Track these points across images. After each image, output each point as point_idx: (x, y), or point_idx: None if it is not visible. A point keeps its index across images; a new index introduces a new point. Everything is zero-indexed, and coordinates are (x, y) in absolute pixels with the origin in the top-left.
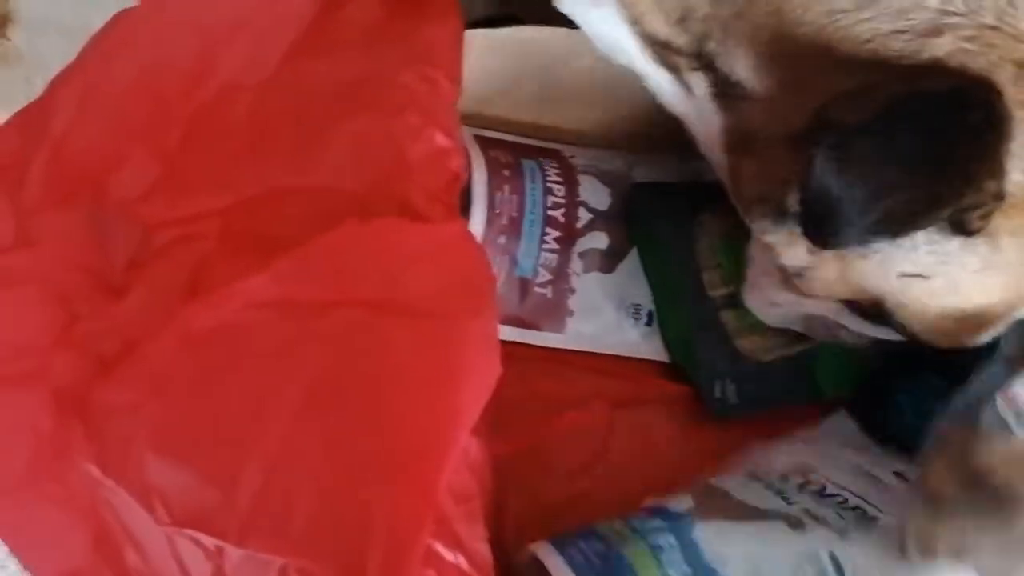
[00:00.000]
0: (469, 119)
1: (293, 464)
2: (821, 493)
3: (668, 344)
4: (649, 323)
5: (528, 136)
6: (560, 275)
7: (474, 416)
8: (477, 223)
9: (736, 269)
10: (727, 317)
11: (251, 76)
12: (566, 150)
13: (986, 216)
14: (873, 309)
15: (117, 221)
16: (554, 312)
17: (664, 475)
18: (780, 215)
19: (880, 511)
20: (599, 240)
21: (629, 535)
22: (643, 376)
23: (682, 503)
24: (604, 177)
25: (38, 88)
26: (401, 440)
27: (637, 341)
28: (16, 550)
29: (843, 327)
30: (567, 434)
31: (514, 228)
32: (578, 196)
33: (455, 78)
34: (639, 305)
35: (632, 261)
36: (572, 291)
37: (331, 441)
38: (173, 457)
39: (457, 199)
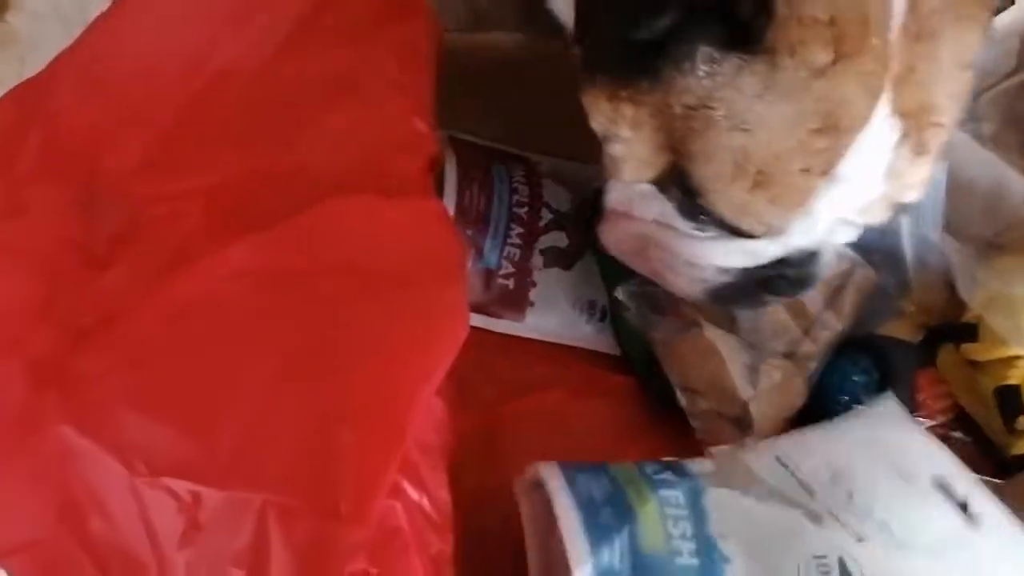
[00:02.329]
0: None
1: (271, 415)
2: (849, 498)
3: (619, 338)
4: (602, 319)
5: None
6: (522, 268)
7: (440, 373)
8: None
9: None
10: None
11: (244, 65)
12: (533, 156)
13: (759, 28)
14: (680, 183)
15: (106, 197)
16: (515, 302)
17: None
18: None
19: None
20: (559, 239)
21: (640, 481)
22: (595, 367)
23: (702, 466)
24: (567, 182)
25: (32, 71)
26: (372, 391)
27: (591, 334)
28: None
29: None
30: (525, 416)
31: (481, 222)
32: (542, 197)
33: (432, 74)
34: (594, 302)
35: (589, 261)
36: (533, 284)
37: (307, 395)
38: (152, 414)
39: (432, 181)
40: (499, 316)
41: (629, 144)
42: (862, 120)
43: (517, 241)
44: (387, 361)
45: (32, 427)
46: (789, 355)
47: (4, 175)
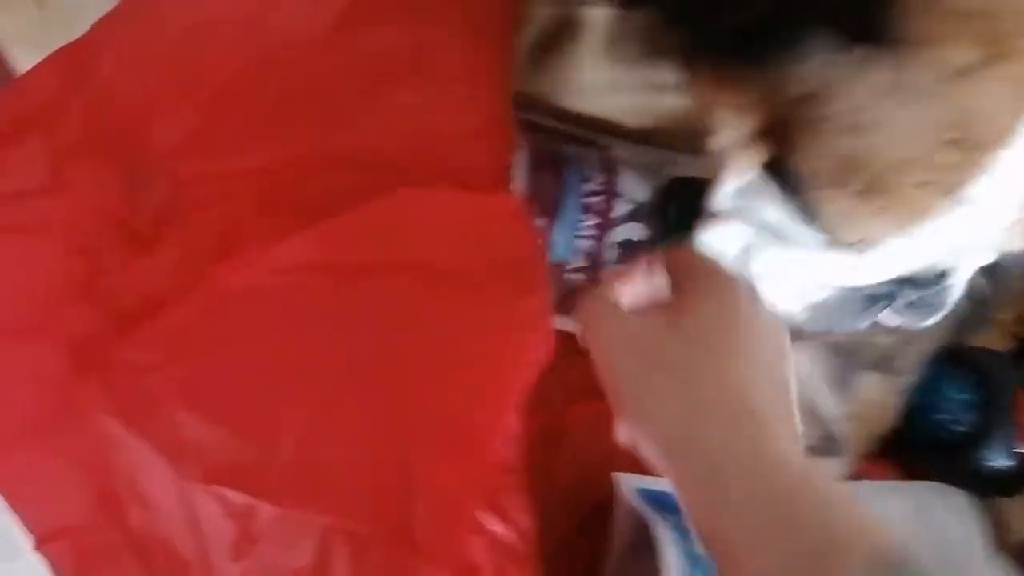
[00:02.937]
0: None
1: (335, 426)
2: None
3: None
4: None
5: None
6: (594, 262)
7: (524, 391)
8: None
9: None
10: None
11: (304, 34)
12: (604, 140)
13: (892, 15)
14: (781, 176)
15: (151, 174)
16: None
17: None
18: None
19: None
20: (635, 231)
21: None
22: None
23: None
24: (643, 170)
25: (75, 34)
26: (450, 410)
27: None
28: (12, 503)
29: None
30: (592, 419)
31: (551, 212)
32: (616, 186)
33: (507, 52)
34: None
35: None
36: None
37: (376, 406)
38: (207, 414)
39: (507, 172)
40: (567, 313)
41: (731, 131)
42: (1005, 136)
43: (589, 233)
44: (465, 376)
45: (71, 410)
46: (883, 368)
47: (46, 146)
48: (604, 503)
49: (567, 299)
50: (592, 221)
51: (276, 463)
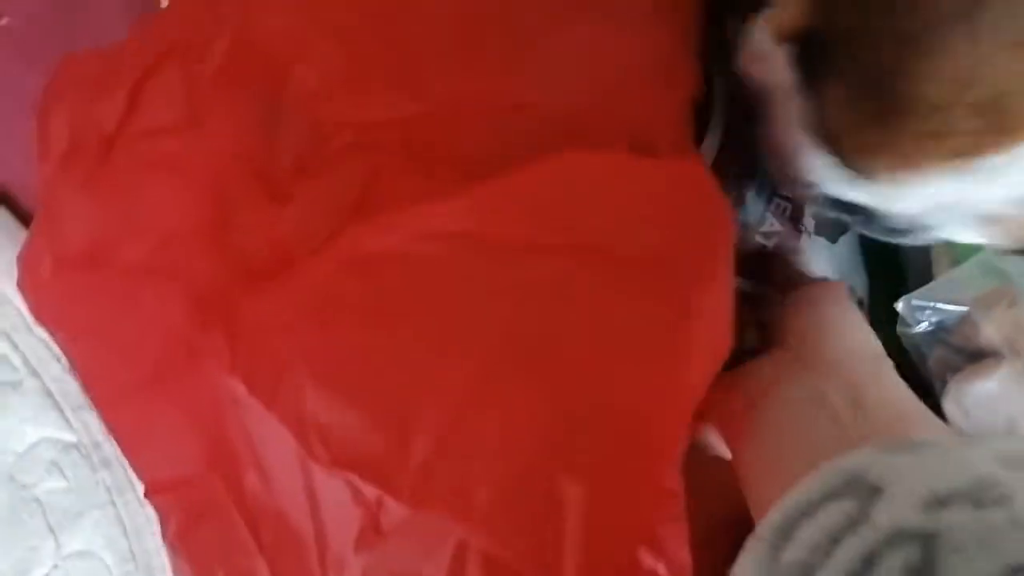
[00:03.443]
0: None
1: (479, 428)
2: None
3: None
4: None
5: None
6: (790, 229)
7: (697, 400)
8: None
9: None
10: None
11: None
12: None
13: None
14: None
15: (293, 118)
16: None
17: None
18: None
19: None
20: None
21: None
22: None
23: None
24: None
25: None
26: (614, 417)
27: None
28: (126, 450)
29: None
30: None
31: (746, 168)
32: None
33: None
34: (852, 289)
35: (852, 238)
36: (796, 252)
37: (527, 408)
38: (337, 392)
39: (690, 128)
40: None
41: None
42: None
43: (787, 195)
44: (632, 378)
45: (191, 363)
46: None
47: (186, 81)
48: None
49: (755, 261)
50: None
51: (410, 462)
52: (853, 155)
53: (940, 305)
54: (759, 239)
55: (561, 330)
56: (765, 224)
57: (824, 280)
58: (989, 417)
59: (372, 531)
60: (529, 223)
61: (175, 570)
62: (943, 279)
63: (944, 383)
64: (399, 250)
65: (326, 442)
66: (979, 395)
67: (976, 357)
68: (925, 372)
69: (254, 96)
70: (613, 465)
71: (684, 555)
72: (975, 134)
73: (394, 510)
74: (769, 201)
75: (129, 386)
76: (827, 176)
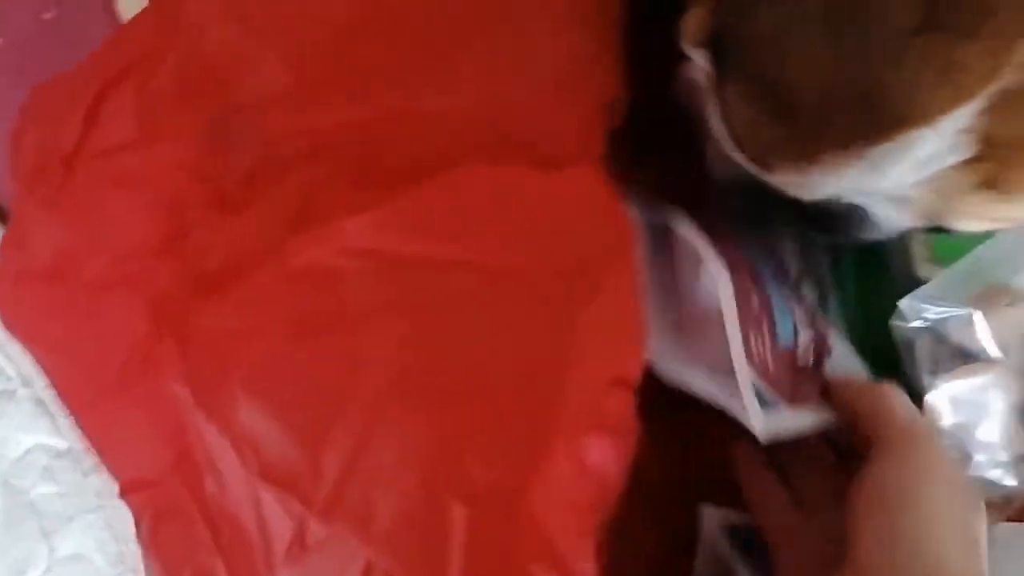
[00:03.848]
0: None
1: (381, 445)
2: None
3: None
4: None
5: None
6: (818, 332)
7: (579, 426)
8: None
9: None
10: None
11: None
12: None
13: None
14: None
15: (241, 129)
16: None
17: None
18: None
19: None
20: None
21: None
22: None
23: None
24: None
25: None
26: (498, 442)
27: None
28: (100, 451)
29: None
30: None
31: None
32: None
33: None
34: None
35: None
36: (829, 351)
37: (423, 429)
38: (264, 404)
39: (599, 137)
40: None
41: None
42: (926, 117)
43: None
44: (516, 400)
45: (153, 371)
46: None
47: (137, 99)
48: (680, 539)
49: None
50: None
51: (323, 480)
52: (755, 152)
53: (941, 305)
54: (800, 358)
55: (452, 350)
56: (801, 337)
57: (903, 419)
58: (973, 415)
59: (299, 545)
60: (425, 238)
61: (148, 568)
62: (940, 279)
63: (933, 376)
64: (323, 264)
65: (256, 454)
66: (967, 394)
67: (969, 356)
68: (911, 365)
69: (204, 109)
70: (497, 486)
71: (588, 568)
72: (856, 127)
73: (315, 526)
74: (794, 311)
75: (98, 393)
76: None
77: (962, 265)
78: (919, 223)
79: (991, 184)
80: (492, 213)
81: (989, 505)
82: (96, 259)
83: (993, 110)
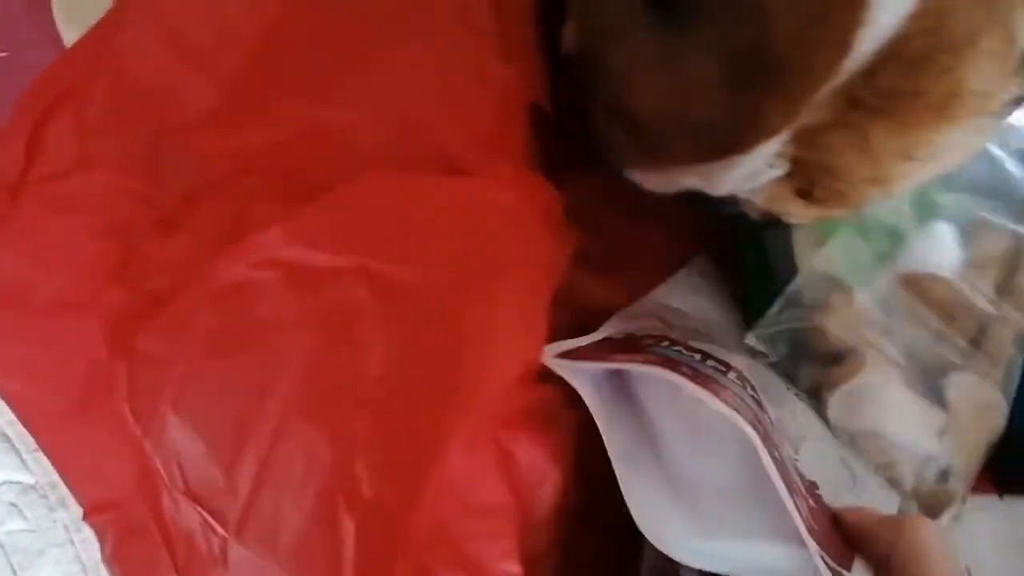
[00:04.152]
0: None
1: (286, 461)
2: None
3: None
4: None
5: None
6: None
7: (490, 426)
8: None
9: None
10: None
11: None
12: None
13: None
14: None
15: (173, 152)
16: None
17: None
18: None
19: None
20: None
21: None
22: None
23: None
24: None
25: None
26: (391, 454)
27: None
28: (63, 473)
29: None
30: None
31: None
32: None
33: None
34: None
35: None
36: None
37: (319, 443)
38: (189, 423)
39: (514, 136)
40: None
41: None
42: (741, 148)
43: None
44: (410, 410)
45: (110, 391)
46: (974, 362)
47: (75, 125)
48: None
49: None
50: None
51: (237, 497)
52: (612, 155)
53: (785, 327)
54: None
55: (353, 361)
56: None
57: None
58: (871, 410)
59: (222, 565)
60: (329, 248)
61: None
62: (779, 301)
63: (818, 397)
64: (239, 279)
65: (182, 472)
66: (855, 393)
67: (838, 359)
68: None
69: (140, 133)
70: (383, 498)
71: (506, 568)
72: (689, 150)
73: (232, 544)
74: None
75: (60, 415)
76: None
77: (797, 281)
78: (757, 217)
79: (805, 195)
80: (394, 220)
81: (939, 493)
82: (48, 283)
83: (797, 139)
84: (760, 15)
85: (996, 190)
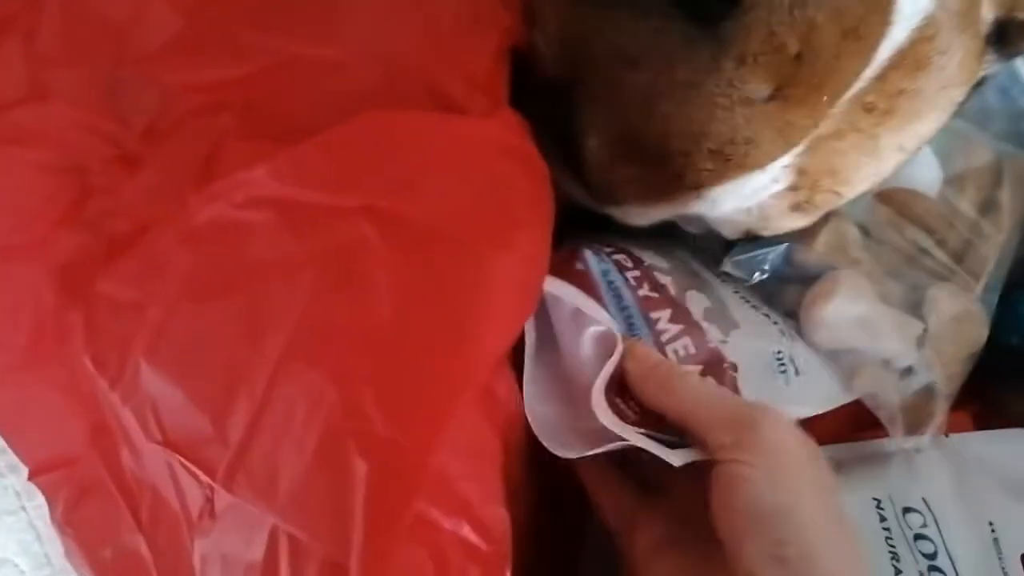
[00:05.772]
0: None
1: (284, 406)
2: None
3: None
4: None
5: None
6: (708, 356)
7: (479, 376)
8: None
9: None
10: None
11: None
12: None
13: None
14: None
15: (135, 83)
16: None
17: None
18: None
19: None
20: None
21: None
22: None
23: None
24: None
25: None
26: (400, 396)
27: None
28: (6, 433)
29: None
30: None
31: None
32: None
33: None
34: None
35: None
36: (734, 368)
37: (323, 386)
38: (166, 370)
39: (504, 83)
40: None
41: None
42: (762, 163)
43: (669, 327)
44: (420, 353)
45: (61, 340)
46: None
47: (24, 52)
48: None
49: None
50: (661, 312)
51: (228, 442)
52: (604, 187)
53: (761, 250)
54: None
55: (357, 299)
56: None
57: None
58: (848, 328)
59: (208, 515)
60: (326, 186)
61: (66, 553)
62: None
63: (795, 318)
64: (224, 218)
65: (159, 422)
66: (832, 310)
67: (816, 279)
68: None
69: (98, 64)
70: (399, 440)
71: (494, 511)
72: (706, 173)
73: (222, 494)
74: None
75: (5, 370)
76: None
77: None
78: (734, 236)
79: (797, 208)
80: (399, 158)
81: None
82: None
83: (808, 150)
84: (806, 25)
85: (975, 119)
